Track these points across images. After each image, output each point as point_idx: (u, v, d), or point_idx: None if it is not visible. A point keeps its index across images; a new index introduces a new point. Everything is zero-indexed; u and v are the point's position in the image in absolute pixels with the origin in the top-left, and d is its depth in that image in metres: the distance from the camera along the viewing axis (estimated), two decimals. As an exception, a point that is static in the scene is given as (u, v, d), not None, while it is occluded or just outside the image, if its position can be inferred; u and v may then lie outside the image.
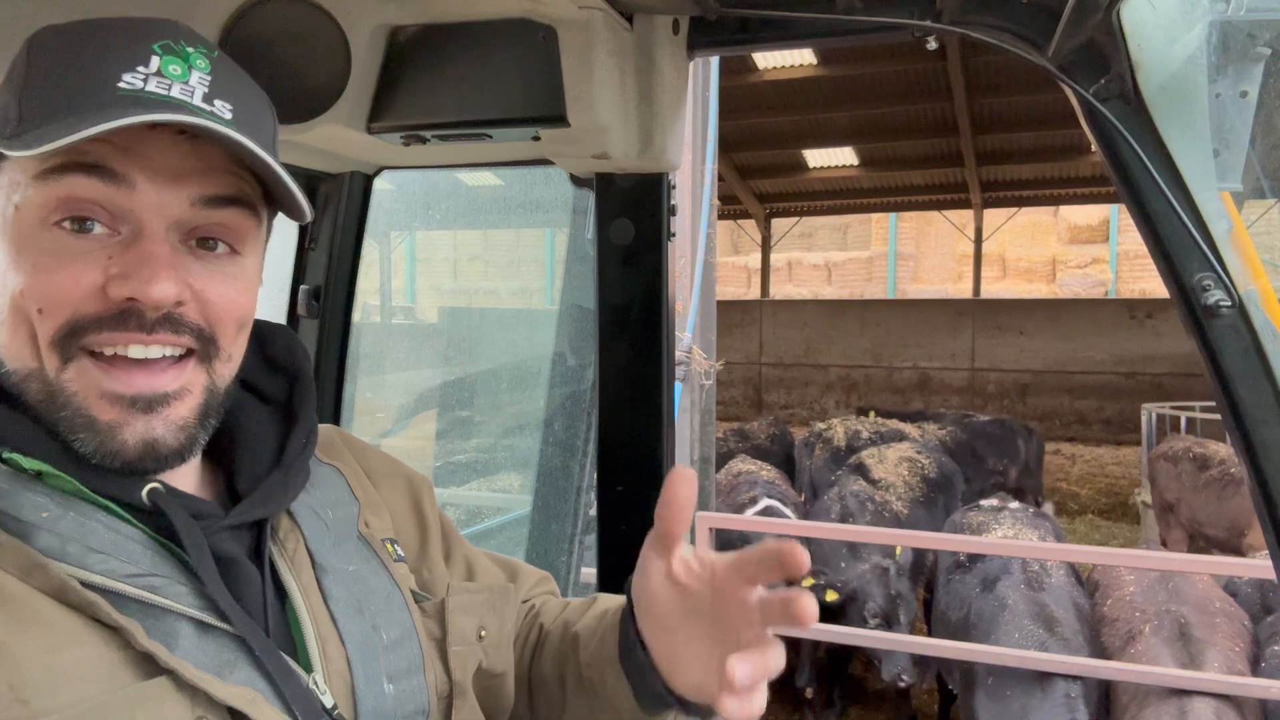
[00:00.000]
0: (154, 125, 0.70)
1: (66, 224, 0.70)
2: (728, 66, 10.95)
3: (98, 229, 0.70)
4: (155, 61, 0.71)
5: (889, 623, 4.90)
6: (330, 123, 1.26)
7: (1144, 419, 9.79)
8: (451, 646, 0.91)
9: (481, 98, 1.28)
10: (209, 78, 0.73)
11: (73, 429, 0.71)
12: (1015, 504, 5.63)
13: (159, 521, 0.73)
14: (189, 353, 0.75)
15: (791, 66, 13.11)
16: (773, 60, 12.92)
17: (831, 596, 5.01)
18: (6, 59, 0.75)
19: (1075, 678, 3.93)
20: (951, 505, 7.18)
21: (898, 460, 7.25)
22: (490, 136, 1.33)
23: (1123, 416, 15.50)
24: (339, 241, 1.73)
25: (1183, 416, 9.45)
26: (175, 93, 0.71)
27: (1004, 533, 5.12)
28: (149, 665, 0.66)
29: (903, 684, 4.81)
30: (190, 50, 0.74)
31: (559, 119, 1.25)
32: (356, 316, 1.84)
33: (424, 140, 1.36)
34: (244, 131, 0.71)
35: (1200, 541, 7.57)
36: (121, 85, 0.69)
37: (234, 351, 0.79)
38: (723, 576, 0.77)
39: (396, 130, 1.33)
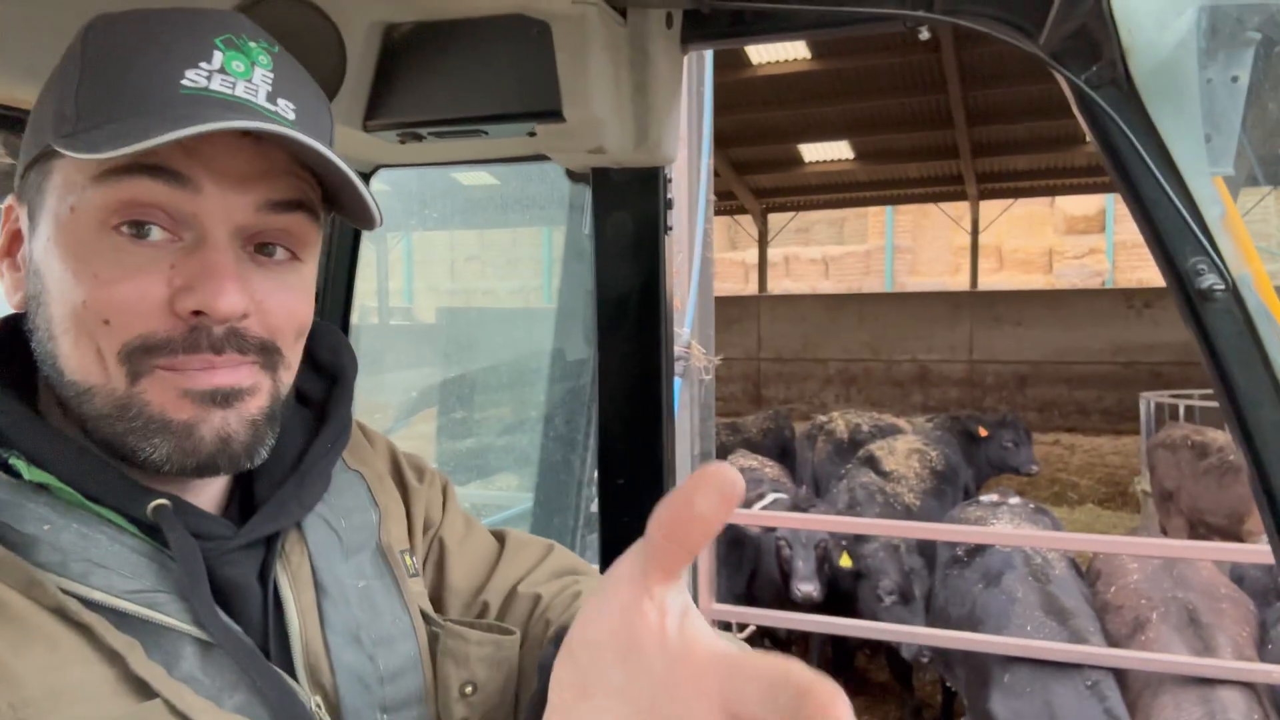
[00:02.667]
0: None
1: (125, 228, 0.67)
2: (721, 62, 10.94)
3: (157, 233, 0.68)
4: (218, 58, 0.69)
5: (905, 599, 4.90)
6: (326, 121, 1.26)
7: (1142, 408, 9.81)
8: (438, 691, 0.86)
9: (477, 94, 1.28)
10: (272, 75, 0.71)
11: (145, 436, 0.68)
12: (1015, 499, 5.62)
13: (165, 536, 0.70)
14: (253, 362, 0.73)
15: (785, 61, 13.10)
16: (766, 55, 12.91)
17: (846, 562, 5.04)
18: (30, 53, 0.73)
19: (1103, 667, 3.87)
20: (957, 497, 7.20)
21: (908, 452, 7.26)
22: (486, 133, 1.33)
23: (1121, 406, 15.52)
24: (336, 241, 1.73)
25: (1181, 405, 9.46)
26: (240, 91, 0.68)
27: (1004, 528, 5.10)
28: (147, 687, 0.65)
29: (925, 659, 4.81)
30: (253, 45, 0.71)
31: (554, 114, 1.25)
32: (355, 318, 1.84)
33: (420, 137, 1.36)
34: (307, 132, 0.69)
35: (1201, 529, 7.58)
36: (185, 83, 0.67)
37: (293, 359, 0.77)
38: (700, 669, 0.46)
39: (393, 128, 1.33)
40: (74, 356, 0.69)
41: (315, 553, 0.80)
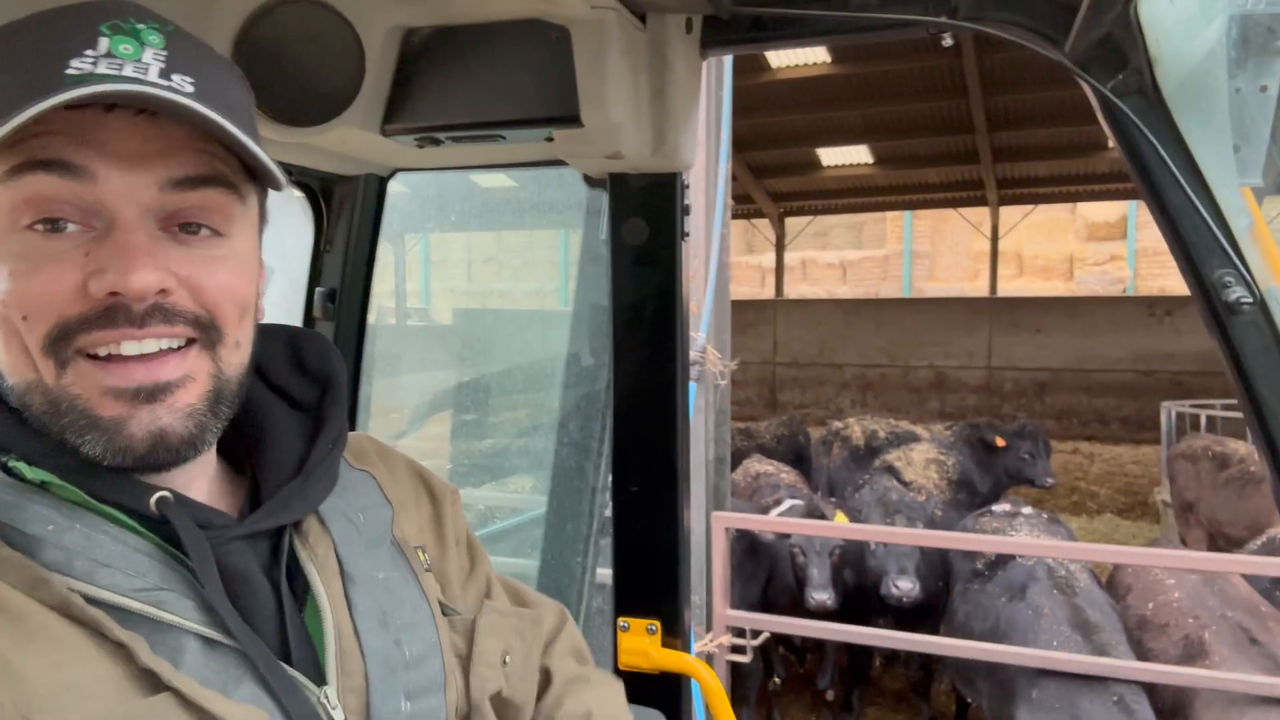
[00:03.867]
0: (110, 108, 0.67)
1: (39, 226, 0.67)
2: (740, 66, 10.92)
3: (71, 228, 0.68)
4: (104, 43, 0.67)
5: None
6: (345, 125, 1.26)
7: (1163, 417, 9.70)
8: (475, 666, 0.89)
9: (495, 99, 1.28)
10: (165, 53, 0.69)
11: (79, 432, 0.69)
12: (1028, 509, 5.55)
13: (168, 531, 0.71)
14: (190, 341, 0.72)
15: (805, 65, 13.06)
16: (786, 59, 12.88)
17: (841, 518, 5.12)
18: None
19: (1132, 682, 3.77)
20: (973, 506, 7.13)
21: (925, 463, 7.22)
22: (504, 138, 1.33)
23: (1142, 415, 15.35)
24: (354, 244, 1.74)
25: (1202, 414, 9.36)
26: (128, 72, 0.67)
27: (1025, 539, 5.02)
28: (153, 682, 0.65)
29: (897, 591, 4.78)
30: (141, 27, 0.69)
31: (572, 119, 1.25)
32: (372, 318, 1.85)
33: (438, 142, 1.36)
34: (207, 104, 0.68)
35: (1220, 541, 7.49)
36: (69, 71, 0.65)
37: (241, 338, 0.77)
38: None
39: (411, 132, 1.33)
40: (6, 360, 0.70)
41: (339, 542, 0.82)
